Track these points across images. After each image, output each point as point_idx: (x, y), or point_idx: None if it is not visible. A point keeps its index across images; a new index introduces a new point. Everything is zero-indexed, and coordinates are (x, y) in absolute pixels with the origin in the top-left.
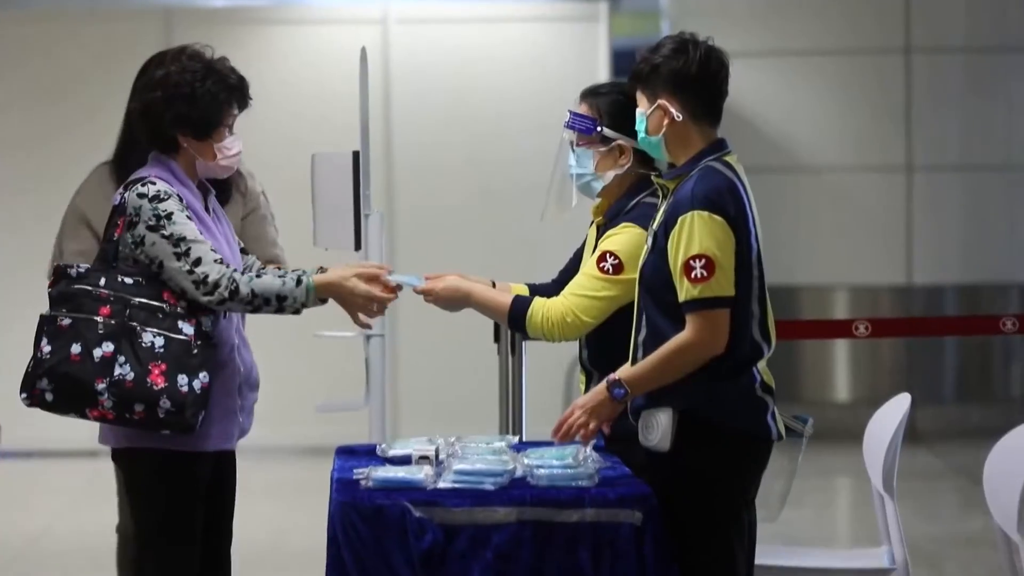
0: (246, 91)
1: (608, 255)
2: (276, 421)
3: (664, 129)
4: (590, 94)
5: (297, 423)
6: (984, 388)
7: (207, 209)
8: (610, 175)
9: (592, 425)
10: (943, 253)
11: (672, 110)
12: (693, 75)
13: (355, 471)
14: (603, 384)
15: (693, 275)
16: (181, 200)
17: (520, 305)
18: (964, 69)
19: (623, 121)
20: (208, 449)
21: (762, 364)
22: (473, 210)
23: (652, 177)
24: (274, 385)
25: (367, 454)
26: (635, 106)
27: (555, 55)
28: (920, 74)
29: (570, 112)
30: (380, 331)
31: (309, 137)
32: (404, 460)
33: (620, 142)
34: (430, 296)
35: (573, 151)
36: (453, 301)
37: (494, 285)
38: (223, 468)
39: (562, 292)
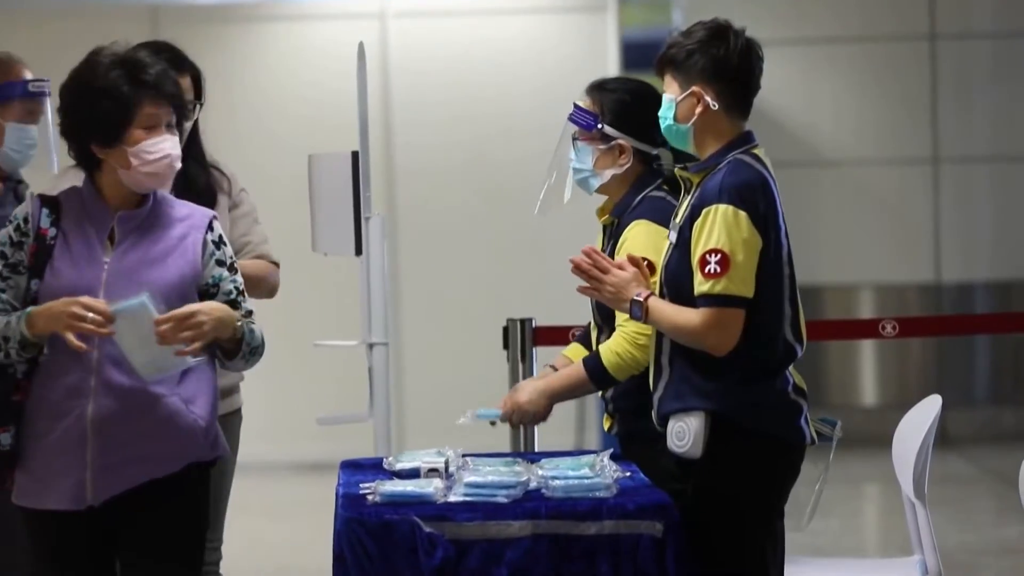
0: (163, 86)
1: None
2: (275, 436)
3: (695, 118)
4: (596, 88)
5: (297, 437)
6: (1018, 389)
7: (112, 237)
8: (608, 174)
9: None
10: (973, 248)
11: (707, 98)
12: (733, 65)
13: (361, 485)
14: (629, 292)
15: (707, 269)
16: (20, 221)
17: (594, 362)
18: (992, 55)
19: (626, 120)
20: (30, 507)
21: (792, 366)
22: (477, 212)
23: (676, 170)
24: (272, 398)
25: (373, 468)
26: (642, 105)
27: (562, 48)
28: (946, 61)
29: (574, 105)
30: (384, 339)
31: (305, 138)
32: (412, 473)
33: (620, 141)
34: (520, 413)
35: (574, 145)
36: (539, 405)
37: (555, 368)
38: (125, 531)
39: (616, 325)
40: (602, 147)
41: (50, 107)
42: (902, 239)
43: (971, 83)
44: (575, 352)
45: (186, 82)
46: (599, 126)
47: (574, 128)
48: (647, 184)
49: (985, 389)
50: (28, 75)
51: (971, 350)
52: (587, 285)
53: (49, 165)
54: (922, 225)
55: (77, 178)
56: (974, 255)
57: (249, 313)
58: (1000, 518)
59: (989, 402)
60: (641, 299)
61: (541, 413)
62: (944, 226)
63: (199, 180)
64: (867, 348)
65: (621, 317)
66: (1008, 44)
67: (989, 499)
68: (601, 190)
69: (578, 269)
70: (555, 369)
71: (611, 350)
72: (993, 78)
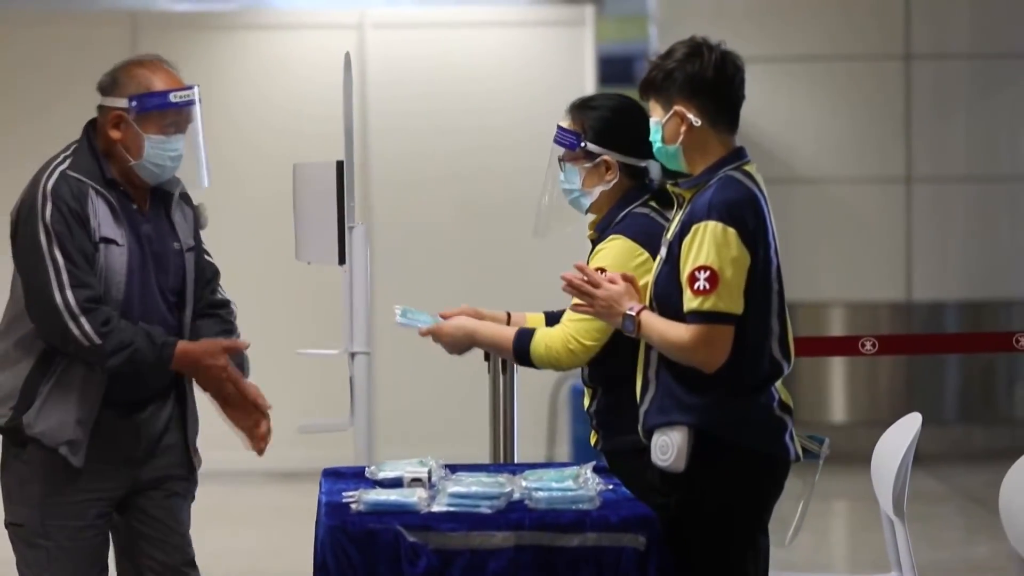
0: None
1: (598, 272)
2: None
3: (681, 137)
4: (577, 107)
5: (277, 445)
6: (988, 409)
7: None
8: (597, 191)
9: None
10: (945, 268)
11: (690, 116)
12: (710, 79)
13: (345, 494)
14: (622, 306)
15: (696, 286)
16: None
17: (523, 339)
18: (967, 76)
19: (608, 136)
20: None
21: (778, 382)
22: (454, 223)
23: (668, 186)
24: None
25: (356, 476)
26: (624, 119)
27: (539, 61)
28: (921, 81)
29: (558, 127)
30: (365, 348)
31: (284, 147)
32: (395, 483)
33: (605, 157)
34: (438, 338)
35: (561, 167)
36: (458, 341)
37: (509, 318)
38: None
39: (562, 319)
40: (588, 165)
41: (199, 116)
42: (874, 257)
43: (946, 103)
44: (535, 320)
45: None
46: (582, 144)
47: (560, 150)
48: (632, 200)
49: (955, 408)
50: (175, 83)
51: (941, 369)
52: (579, 302)
53: (199, 179)
54: (895, 244)
55: None
56: (946, 274)
57: None
58: (970, 536)
59: (959, 421)
60: (633, 313)
61: (456, 349)
62: (917, 245)
63: None
64: (837, 366)
65: (569, 313)
66: (983, 65)
67: (959, 517)
68: (592, 209)
69: (570, 285)
70: (509, 316)
71: (544, 341)
72: (968, 98)
